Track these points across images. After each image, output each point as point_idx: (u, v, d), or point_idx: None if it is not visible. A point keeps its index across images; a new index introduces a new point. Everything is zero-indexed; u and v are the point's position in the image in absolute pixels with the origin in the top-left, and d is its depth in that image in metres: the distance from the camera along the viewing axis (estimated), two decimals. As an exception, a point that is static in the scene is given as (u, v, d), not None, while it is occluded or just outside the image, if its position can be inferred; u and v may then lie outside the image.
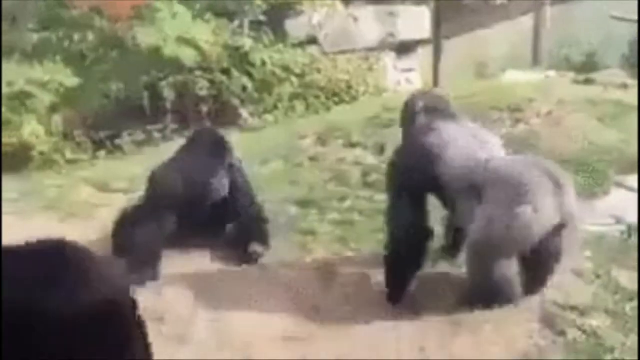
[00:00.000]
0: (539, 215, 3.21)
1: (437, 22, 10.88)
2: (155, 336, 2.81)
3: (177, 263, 4.07)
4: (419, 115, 3.70)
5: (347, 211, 4.73)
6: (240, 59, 8.15)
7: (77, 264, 0.79)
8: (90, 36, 7.32)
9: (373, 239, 4.11)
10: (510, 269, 3.28)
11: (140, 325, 0.84)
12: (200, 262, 4.13)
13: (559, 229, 3.29)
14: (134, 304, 0.84)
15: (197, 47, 7.65)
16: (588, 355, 3.15)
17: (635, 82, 6.14)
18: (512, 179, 3.34)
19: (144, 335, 0.84)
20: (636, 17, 10.36)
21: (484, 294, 3.32)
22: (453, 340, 3.30)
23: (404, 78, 9.99)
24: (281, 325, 3.43)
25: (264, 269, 4.06)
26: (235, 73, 8.03)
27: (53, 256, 0.78)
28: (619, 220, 4.20)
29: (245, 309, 3.61)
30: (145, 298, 3.57)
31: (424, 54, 10.57)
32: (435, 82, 10.83)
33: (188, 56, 7.52)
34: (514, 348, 3.18)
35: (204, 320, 3.53)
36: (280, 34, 8.78)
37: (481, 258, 3.32)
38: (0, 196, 4.83)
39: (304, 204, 4.96)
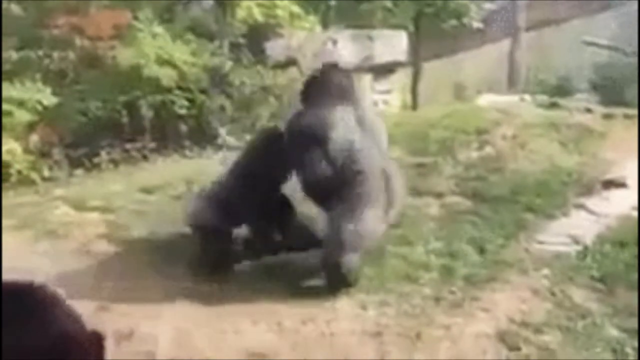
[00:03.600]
0: None
1: (417, 45, 11.14)
2: (123, 353, 2.90)
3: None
4: None
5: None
6: (220, 79, 8.30)
7: (41, 306, 0.85)
8: (71, 55, 7.45)
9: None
10: None
11: None
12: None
13: None
14: (97, 343, 0.90)
15: (176, 67, 7.80)
16: (541, 370, 3.27)
17: (600, 108, 6.35)
18: None
19: None
20: (607, 43, 10.66)
21: None
22: (412, 355, 3.40)
23: (382, 99, 10.18)
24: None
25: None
26: (214, 93, 8.17)
27: (18, 299, 0.85)
28: (576, 241, 4.35)
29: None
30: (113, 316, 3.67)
31: (402, 76, 10.79)
32: (414, 104, 11.06)
33: (167, 76, 7.66)
34: (469, 364, 3.30)
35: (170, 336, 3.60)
36: (259, 56, 8.96)
37: None
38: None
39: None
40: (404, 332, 3.52)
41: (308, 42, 9.39)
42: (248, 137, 8.16)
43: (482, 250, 4.25)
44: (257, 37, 9.04)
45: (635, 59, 9.73)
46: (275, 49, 9.25)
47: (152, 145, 7.54)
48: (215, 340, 3.53)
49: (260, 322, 3.70)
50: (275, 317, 3.72)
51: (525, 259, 4.17)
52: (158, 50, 7.76)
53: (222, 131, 8.08)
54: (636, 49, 10.08)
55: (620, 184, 5.00)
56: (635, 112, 6.80)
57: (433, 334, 3.48)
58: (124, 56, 7.56)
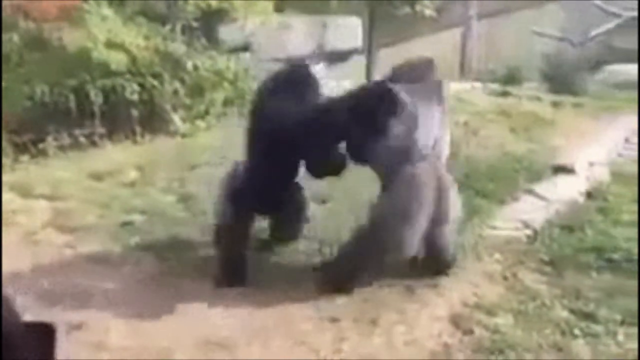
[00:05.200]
0: None
1: (371, 32, 11.16)
2: (72, 344, 2.81)
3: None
4: None
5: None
6: (172, 63, 8.12)
7: None
8: (15, 37, 7.14)
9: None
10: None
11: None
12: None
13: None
14: (48, 335, 0.87)
15: (126, 51, 7.58)
16: (493, 352, 3.32)
17: (549, 97, 6.50)
18: None
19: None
20: (556, 33, 10.93)
21: None
22: (369, 339, 3.42)
23: (337, 86, 10.18)
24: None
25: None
26: (166, 78, 7.98)
27: None
28: (526, 225, 4.45)
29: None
30: (62, 306, 3.56)
31: (357, 63, 10.81)
32: (368, 91, 11.08)
33: (117, 60, 7.43)
34: (423, 347, 3.33)
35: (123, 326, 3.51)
36: (213, 40, 8.80)
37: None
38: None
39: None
40: (360, 317, 3.53)
41: (262, 27, 9.30)
42: (201, 124, 8.05)
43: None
44: (210, 21, 8.88)
45: (582, 50, 10.00)
46: (229, 33, 9.13)
47: (102, 131, 7.32)
48: (170, 329, 3.47)
49: (216, 310, 3.65)
50: (232, 305, 3.68)
51: (478, 243, 4.24)
52: (107, 34, 7.52)
53: (175, 117, 7.92)
54: (583, 40, 10.37)
55: (568, 170, 5.15)
56: (582, 100, 7.01)
57: (389, 319, 3.51)
58: (72, 39, 7.30)
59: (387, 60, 11.77)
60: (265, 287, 3.83)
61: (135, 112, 7.67)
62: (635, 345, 3.28)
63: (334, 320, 3.52)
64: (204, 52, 8.40)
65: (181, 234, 4.62)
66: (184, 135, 7.58)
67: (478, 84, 9.06)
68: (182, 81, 8.04)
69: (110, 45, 7.49)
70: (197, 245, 4.45)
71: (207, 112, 8.13)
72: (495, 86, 8.39)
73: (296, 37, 9.48)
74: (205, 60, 8.26)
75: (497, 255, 4.16)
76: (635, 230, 4.42)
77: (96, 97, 7.26)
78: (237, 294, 3.77)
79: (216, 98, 8.20)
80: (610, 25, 10.48)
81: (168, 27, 8.42)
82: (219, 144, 6.41)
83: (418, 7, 11.09)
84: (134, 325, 3.51)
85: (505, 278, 3.96)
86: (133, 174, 5.71)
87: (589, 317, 3.51)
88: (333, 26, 9.81)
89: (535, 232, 4.39)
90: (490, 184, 4.86)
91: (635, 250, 4.14)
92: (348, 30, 9.99)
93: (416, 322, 3.50)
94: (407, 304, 3.65)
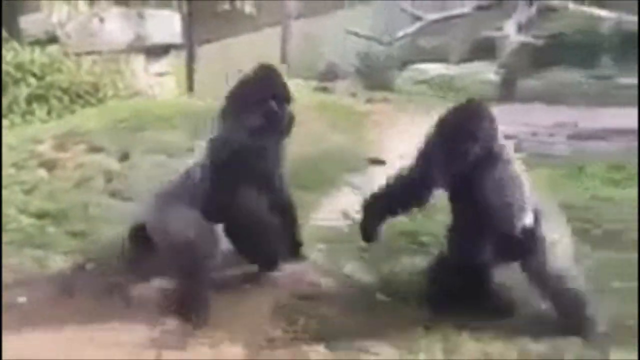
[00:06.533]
0: None
1: (190, 27, 10.94)
2: None
3: None
4: None
5: (90, 220, 4.53)
6: (-36, 55, 7.30)
7: None
8: None
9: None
10: None
11: None
12: None
13: None
14: None
15: None
16: (318, 339, 3.41)
17: (363, 92, 6.89)
18: None
19: None
20: (367, 33, 11.57)
21: None
22: (187, 340, 3.35)
23: (157, 82, 9.86)
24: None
25: None
26: (-44, 71, 7.16)
27: None
28: (346, 216, 4.66)
29: None
30: None
31: (176, 59, 10.55)
32: (190, 87, 10.88)
33: None
34: (248, 343, 3.33)
35: None
36: (13, 30, 8.08)
37: None
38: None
39: (40, 214, 4.64)
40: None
41: (71, 18, 8.71)
42: (4, 122, 7.31)
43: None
44: (10, 9, 8.12)
45: (392, 49, 10.72)
46: (32, 23, 8.43)
47: None
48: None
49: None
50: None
51: (303, 235, 4.34)
52: None
53: (-29, 115, 7.13)
54: (390, 40, 11.10)
55: (380, 161, 5.50)
56: (392, 96, 7.52)
57: (211, 322, 3.45)
58: None
59: (207, 56, 11.67)
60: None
61: None
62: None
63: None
64: (4, 43, 7.68)
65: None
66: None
67: (298, 80, 9.30)
68: (-23, 75, 7.28)
69: None
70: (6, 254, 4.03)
71: (9, 108, 7.44)
72: (314, 83, 8.68)
73: (110, 29, 9.00)
74: (6, 53, 7.55)
75: (321, 246, 4.29)
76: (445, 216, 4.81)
77: None
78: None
79: (20, 94, 7.54)
80: (414, 28, 11.33)
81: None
82: (25, 144, 5.88)
83: (238, 4, 11.12)
84: None
85: (327, 267, 4.10)
86: None
87: (403, 300, 3.74)
88: (151, 20, 9.47)
89: (354, 221, 4.60)
90: (313, 177, 5.00)
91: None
92: (166, 24, 9.71)
93: (243, 315, 3.50)
94: (234, 296, 3.64)
